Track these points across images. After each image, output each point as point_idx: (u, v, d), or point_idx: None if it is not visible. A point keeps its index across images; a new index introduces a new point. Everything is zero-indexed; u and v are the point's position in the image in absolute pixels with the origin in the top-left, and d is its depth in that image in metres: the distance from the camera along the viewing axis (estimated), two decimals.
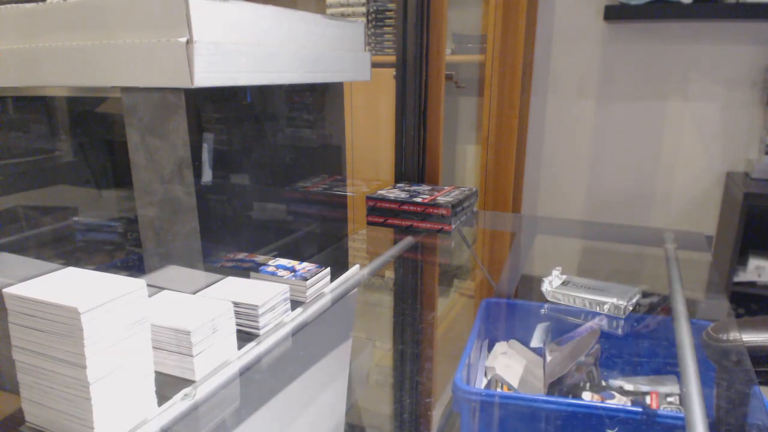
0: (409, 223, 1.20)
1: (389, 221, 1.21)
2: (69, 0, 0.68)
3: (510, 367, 1.04)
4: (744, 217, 1.58)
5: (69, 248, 0.95)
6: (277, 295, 0.72)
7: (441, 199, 1.19)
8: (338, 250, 1.10)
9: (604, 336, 1.08)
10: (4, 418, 0.56)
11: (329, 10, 1.94)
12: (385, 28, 1.89)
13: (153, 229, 0.74)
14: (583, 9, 1.88)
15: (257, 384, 0.68)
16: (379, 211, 1.22)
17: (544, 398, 0.86)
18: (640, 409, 0.80)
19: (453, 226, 1.17)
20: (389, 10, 1.88)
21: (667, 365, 1.01)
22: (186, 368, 0.60)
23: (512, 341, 1.13)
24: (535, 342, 1.06)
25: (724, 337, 0.65)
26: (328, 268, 0.83)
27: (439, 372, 1.23)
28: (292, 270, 0.80)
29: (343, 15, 1.95)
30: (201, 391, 0.58)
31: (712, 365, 0.76)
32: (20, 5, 0.71)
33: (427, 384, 1.19)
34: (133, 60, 0.65)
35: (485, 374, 1.05)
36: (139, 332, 0.52)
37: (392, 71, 1.41)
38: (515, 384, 1.00)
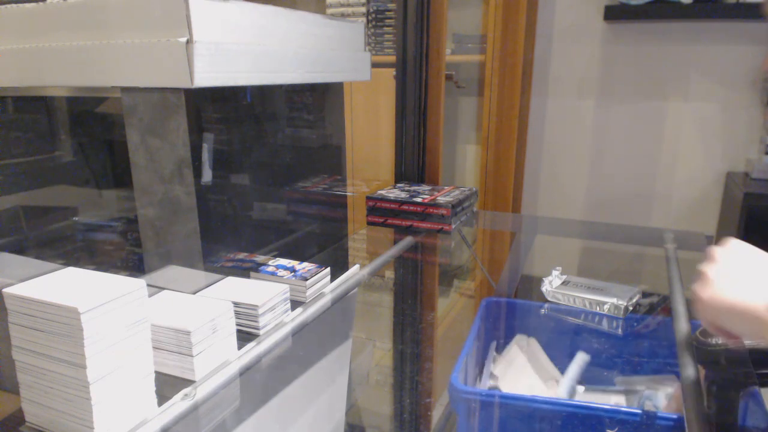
0: (409, 223, 1.20)
1: (389, 221, 1.21)
2: (69, 0, 0.68)
3: (516, 379, 1.03)
4: (744, 217, 1.58)
5: (69, 248, 0.95)
6: (277, 295, 0.72)
7: (441, 199, 1.19)
8: (338, 250, 1.10)
9: (605, 336, 1.08)
10: (4, 418, 0.56)
11: (329, 10, 1.94)
12: (385, 28, 1.89)
13: (153, 229, 0.74)
14: (583, 9, 1.88)
15: (257, 384, 0.68)
16: (379, 211, 1.22)
17: (542, 399, 0.86)
18: (639, 410, 0.80)
19: (453, 226, 1.17)
20: (389, 10, 1.88)
21: (667, 365, 1.01)
22: (186, 368, 0.60)
23: (531, 339, 1.11)
24: (566, 379, 1.02)
25: (713, 341, 0.66)
26: (328, 268, 0.83)
27: (439, 372, 1.23)
28: (292, 270, 0.80)
29: (343, 15, 1.94)
30: (201, 391, 0.58)
31: None
32: (20, 5, 0.71)
33: (427, 384, 1.19)
34: (133, 60, 0.65)
35: (489, 377, 1.04)
36: (139, 332, 0.52)
37: (392, 71, 1.41)
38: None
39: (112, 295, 0.49)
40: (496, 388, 1.00)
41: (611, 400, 0.96)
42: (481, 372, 1.05)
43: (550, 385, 1.03)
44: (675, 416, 0.77)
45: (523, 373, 1.05)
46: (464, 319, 1.64)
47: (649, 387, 0.96)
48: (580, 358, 1.04)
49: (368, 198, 1.23)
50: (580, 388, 1.03)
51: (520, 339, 1.11)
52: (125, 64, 0.66)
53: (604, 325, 1.08)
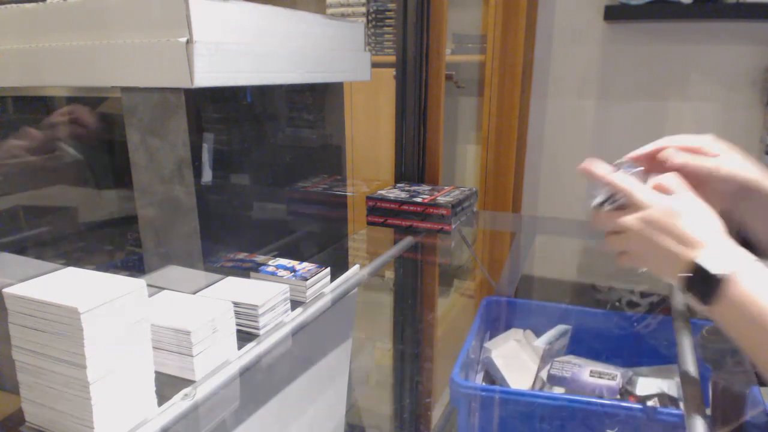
0: (409, 223, 1.20)
1: (389, 221, 1.21)
2: (69, 0, 0.68)
3: (507, 356, 1.03)
4: None
5: (69, 248, 0.95)
6: (277, 295, 0.72)
7: (441, 199, 1.19)
8: (338, 250, 1.10)
9: (604, 335, 1.08)
10: (4, 418, 0.56)
11: (329, 10, 1.94)
12: (385, 28, 1.89)
13: (153, 229, 0.74)
14: (583, 9, 1.88)
15: (257, 384, 0.68)
16: (379, 211, 1.22)
17: (543, 394, 0.86)
18: (639, 406, 0.80)
19: (453, 226, 1.17)
20: (389, 10, 1.88)
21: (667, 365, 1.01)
22: (186, 368, 0.60)
23: (528, 332, 1.12)
24: (541, 341, 1.05)
25: (720, 338, 0.66)
26: (328, 268, 0.83)
27: (439, 372, 1.23)
28: (292, 270, 0.80)
29: (343, 15, 1.94)
30: (201, 391, 0.58)
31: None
32: (20, 5, 0.71)
33: (427, 384, 1.19)
34: (133, 60, 0.65)
35: (481, 352, 1.04)
36: (139, 332, 0.52)
37: (392, 71, 1.41)
38: (503, 372, 1.00)
39: (112, 295, 0.49)
40: (488, 358, 1.00)
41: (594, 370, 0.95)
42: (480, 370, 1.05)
43: (531, 352, 1.04)
44: (676, 412, 0.77)
45: (512, 346, 1.05)
46: (464, 319, 1.64)
47: (653, 375, 0.96)
48: (561, 327, 1.05)
49: (368, 198, 1.23)
50: (570, 356, 1.03)
51: (515, 332, 1.12)
52: (125, 64, 0.66)
53: (604, 325, 1.08)
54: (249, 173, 0.87)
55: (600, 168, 0.64)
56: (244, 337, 0.69)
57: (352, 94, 1.77)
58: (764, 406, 0.72)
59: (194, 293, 0.71)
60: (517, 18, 1.74)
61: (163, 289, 0.69)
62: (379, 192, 1.25)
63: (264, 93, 0.89)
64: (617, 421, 0.78)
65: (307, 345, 0.78)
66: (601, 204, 0.64)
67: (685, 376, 0.69)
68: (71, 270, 0.55)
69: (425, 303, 1.38)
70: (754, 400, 0.72)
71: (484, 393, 0.87)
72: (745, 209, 0.62)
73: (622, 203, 0.61)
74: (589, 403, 0.80)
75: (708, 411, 0.68)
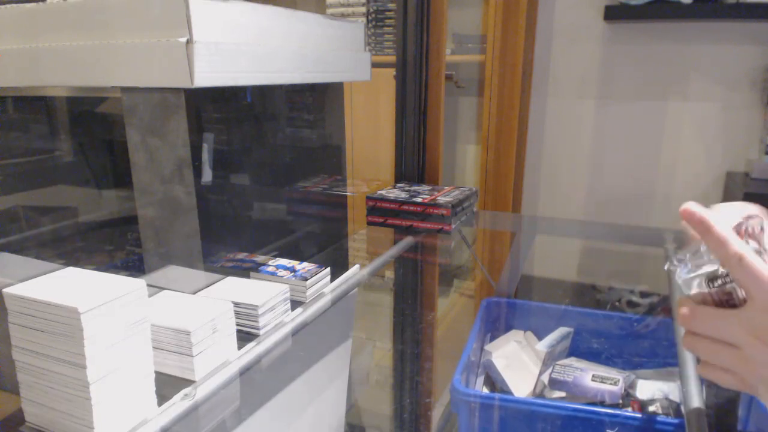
0: (409, 223, 1.20)
1: (389, 221, 1.21)
2: (69, 0, 0.68)
3: (507, 359, 1.04)
4: None
5: (69, 248, 0.95)
6: (277, 295, 0.72)
7: (441, 199, 1.19)
8: (338, 250, 1.10)
9: (604, 335, 1.08)
10: (4, 418, 0.56)
11: (329, 10, 1.94)
12: (385, 28, 1.89)
13: (153, 229, 0.74)
14: (583, 9, 1.88)
15: (257, 384, 0.68)
16: (379, 211, 1.22)
17: (542, 402, 0.86)
18: (639, 415, 0.80)
19: (453, 226, 1.17)
20: (389, 10, 1.88)
21: (667, 365, 1.01)
22: (186, 368, 0.60)
23: (528, 333, 1.12)
24: (543, 344, 1.05)
25: None
26: (328, 268, 0.83)
27: (439, 372, 1.23)
28: (292, 270, 0.80)
29: (343, 15, 1.94)
30: (201, 391, 0.58)
31: None
32: (20, 5, 0.71)
33: (427, 384, 1.19)
34: (133, 60, 0.65)
35: (481, 355, 1.04)
36: (139, 332, 0.52)
37: (392, 71, 1.41)
38: (504, 375, 1.00)
39: (112, 295, 0.49)
40: (489, 360, 1.00)
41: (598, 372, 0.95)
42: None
43: (532, 354, 1.04)
44: (675, 420, 0.77)
45: (513, 348, 1.05)
46: (464, 319, 1.64)
47: (655, 378, 0.95)
48: (563, 329, 1.05)
49: (368, 198, 1.23)
50: (571, 358, 1.03)
51: (516, 333, 1.12)
52: (125, 64, 0.66)
53: (604, 325, 1.08)
54: (249, 173, 0.87)
55: (727, 229, 0.40)
56: (244, 337, 0.69)
57: (352, 94, 1.77)
58: (762, 407, 0.72)
59: (194, 293, 0.71)
60: (517, 18, 1.74)
61: (163, 289, 0.69)
62: (379, 192, 1.25)
63: (264, 93, 0.89)
64: (617, 424, 0.78)
65: (307, 345, 0.78)
66: (711, 282, 0.41)
67: (685, 377, 0.69)
68: (71, 270, 0.55)
69: (425, 303, 1.38)
70: (755, 400, 0.72)
71: (483, 400, 0.87)
72: None
73: (733, 290, 0.40)
74: (590, 411, 0.80)
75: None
